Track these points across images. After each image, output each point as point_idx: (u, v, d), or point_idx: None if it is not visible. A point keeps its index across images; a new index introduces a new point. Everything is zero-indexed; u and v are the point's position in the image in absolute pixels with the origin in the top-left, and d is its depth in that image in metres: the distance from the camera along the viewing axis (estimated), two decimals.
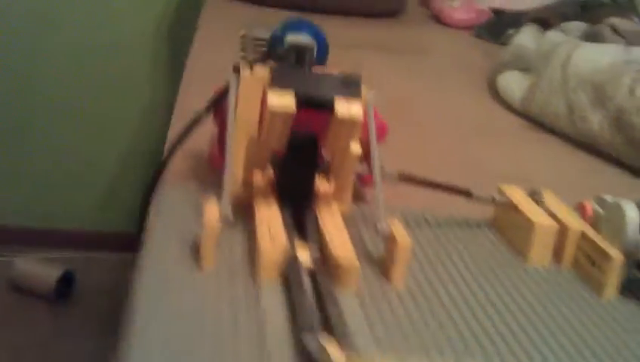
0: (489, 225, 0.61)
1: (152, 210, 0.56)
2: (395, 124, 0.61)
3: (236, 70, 0.53)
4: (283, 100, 0.49)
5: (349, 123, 0.50)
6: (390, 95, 0.64)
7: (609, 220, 0.55)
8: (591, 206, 0.59)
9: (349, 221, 0.53)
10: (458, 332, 0.45)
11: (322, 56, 0.59)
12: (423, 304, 0.47)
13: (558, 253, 0.56)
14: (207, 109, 0.57)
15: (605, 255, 0.53)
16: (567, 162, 0.84)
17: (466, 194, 0.59)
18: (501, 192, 0.61)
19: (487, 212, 0.61)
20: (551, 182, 0.70)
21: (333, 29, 0.70)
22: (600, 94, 0.86)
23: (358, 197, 0.59)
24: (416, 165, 0.61)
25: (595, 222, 0.57)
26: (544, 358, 0.44)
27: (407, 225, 0.57)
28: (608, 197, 0.58)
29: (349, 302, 0.46)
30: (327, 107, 0.49)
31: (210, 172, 0.60)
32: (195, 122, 0.57)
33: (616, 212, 0.54)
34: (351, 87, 0.50)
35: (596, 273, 0.53)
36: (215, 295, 0.44)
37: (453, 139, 0.84)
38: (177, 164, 0.61)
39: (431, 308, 0.47)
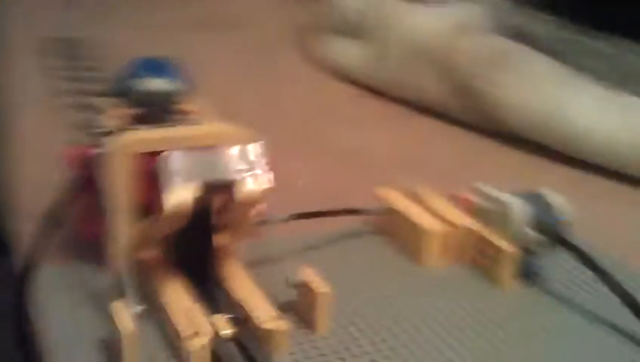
0: (379, 233, 0.62)
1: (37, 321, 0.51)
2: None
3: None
4: (181, 197, 0.47)
5: (251, 201, 0.49)
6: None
7: (493, 213, 0.58)
8: (468, 197, 0.61)
9: (250, 268, 0.52)
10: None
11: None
12: (349, 341, 0.48)
13: (451, 252, 0.59)
14: (75, 190, 0.53)
15: (497, 248, 0.56)
16: (438, 142, 0.86)
17: (355, 212, 0.60)
18: (380, 198, 0.63)
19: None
20: (430, 165, 0.74)
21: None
22: (441, 63, 0.89)
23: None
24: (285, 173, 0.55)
25: (475, 214, 0.60)
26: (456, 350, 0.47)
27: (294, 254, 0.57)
28: (484, 187, 0.61)
29: None
30: (227, 188, 0.48)
31: (78, 244, 0.56)
32: (62, 207, 0.52)
33: (499, 207, 0.57)
34: (250, 161, 0.49)
35: (492, 266, 0.56)
36: None
37: (310, 129, 0.85)
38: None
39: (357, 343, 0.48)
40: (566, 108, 0.81)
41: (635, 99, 0.80)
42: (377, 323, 0.50)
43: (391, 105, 0.95)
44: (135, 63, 0.65)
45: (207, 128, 0.52)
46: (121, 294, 0.48)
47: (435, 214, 0.60)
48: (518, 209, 0.56)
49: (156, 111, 0.56)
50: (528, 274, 0.56)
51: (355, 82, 1.00)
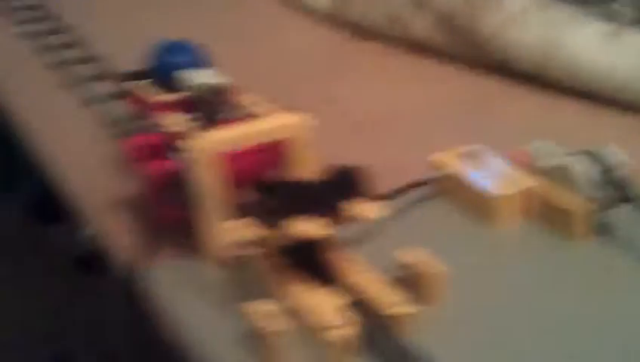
0: (442, 197, 0.64)
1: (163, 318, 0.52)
2: None
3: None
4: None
5: None
6: None
7: (558, 173, 0.60)
8: (528, 154, 0.63)
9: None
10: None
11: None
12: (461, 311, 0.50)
13: (519, 213, 0.61)
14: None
15: (567, 207, 0.58)
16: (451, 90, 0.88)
17: (424, 183, 0.62)
18: (437, 165, 0.64)
19: None
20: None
21: None
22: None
23: None
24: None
25: (537, 172, 0.62)
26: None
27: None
28: (543, 146, 0.63)
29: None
30: None
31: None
32: None
33: (566, 167, 0.59)
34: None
35: (565, 224, 0.59)
36: None
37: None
38: None
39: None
40: (568, 42, 0.83)
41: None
42: (478, 291, 0.53)
43: (377, 46, 0.98)
44: (163, 46, 0.66)
45: (274, 121, 0.55)
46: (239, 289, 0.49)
47: (497, 176, 0.62)
48: (585, 168, 0.58)
49: (212, 104, 0.58)
50: (597, 229, 0.59)
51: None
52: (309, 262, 0.50)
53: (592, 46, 0.82)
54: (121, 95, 0.76)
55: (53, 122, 0.81)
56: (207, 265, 0.54)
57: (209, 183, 0.52)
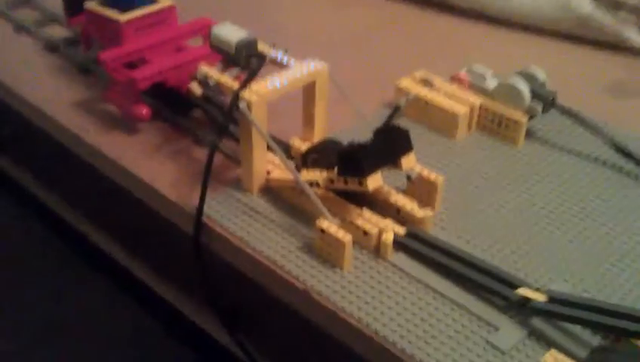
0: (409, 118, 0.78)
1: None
2: None
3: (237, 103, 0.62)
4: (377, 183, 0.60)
5: None
6: None
7: (501, 90, 0.76)
8: (466, 76, 0.79)
9: None
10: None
11: None
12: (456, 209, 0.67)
13: (470, 126, 0.77)
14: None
15: (513, 118, 0.75)
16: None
17: (399, 108, 0.76)
18: (401, 89, 0.78)
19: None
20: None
21: None
22: None
23: None
24: None
25: (478, 91, 0.78)
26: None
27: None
28: (478, 67, 0.79)
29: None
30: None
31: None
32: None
33: (508, 86, 0.75)
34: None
35: (506, 131, 0.76)
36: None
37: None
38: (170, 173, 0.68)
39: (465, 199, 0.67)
40: None
41: None
42: (463, 191, 0.69)
43: None
44: None
45: (304, 69, 0.66)
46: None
47: (448, 95, 0.77)
48: (524, 86, 0.75)
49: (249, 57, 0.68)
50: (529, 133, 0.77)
51: None
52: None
53: None
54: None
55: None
56: (254, 194, 0.67)
57: (260, 127, 0.63)
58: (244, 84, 0.63)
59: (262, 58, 0.67)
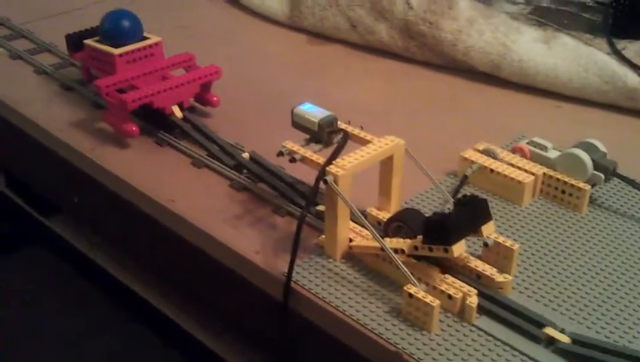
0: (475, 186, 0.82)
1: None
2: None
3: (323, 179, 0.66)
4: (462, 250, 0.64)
5: None
6: None
7: (562, 161, 0.80)
8: (527, 148, 0.83)
9: None
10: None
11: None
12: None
13: (535, 193, 0.81)
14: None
15: (578, 186, 0.79)
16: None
17: (466, 178, 0.80)
18: (465, 158, 0.82)
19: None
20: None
21: None
22: (379, 9, 1.12)
23: None
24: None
25: (539, 161, 0.82)
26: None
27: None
28: (539, 140, 0.83)
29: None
30: None
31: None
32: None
33: (571, 156, 0.79)
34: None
35: (570, 199, 0.79)
36: None
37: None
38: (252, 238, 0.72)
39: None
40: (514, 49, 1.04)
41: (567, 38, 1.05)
42: (534, 256, 0.72)
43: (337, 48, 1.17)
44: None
45: (383, 144, 0.71)
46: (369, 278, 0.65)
47: (512, 166, 0.81)
48: (586, 156, 0.79)
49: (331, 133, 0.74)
50: (594, 201, 0.80)
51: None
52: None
53: (534, 47, 1.04)
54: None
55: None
56: (337, 261, 0.70)
57: (345, 198, 0.67)
58: (331, 159, 0.67)
59: (346, 135, 0.71)
